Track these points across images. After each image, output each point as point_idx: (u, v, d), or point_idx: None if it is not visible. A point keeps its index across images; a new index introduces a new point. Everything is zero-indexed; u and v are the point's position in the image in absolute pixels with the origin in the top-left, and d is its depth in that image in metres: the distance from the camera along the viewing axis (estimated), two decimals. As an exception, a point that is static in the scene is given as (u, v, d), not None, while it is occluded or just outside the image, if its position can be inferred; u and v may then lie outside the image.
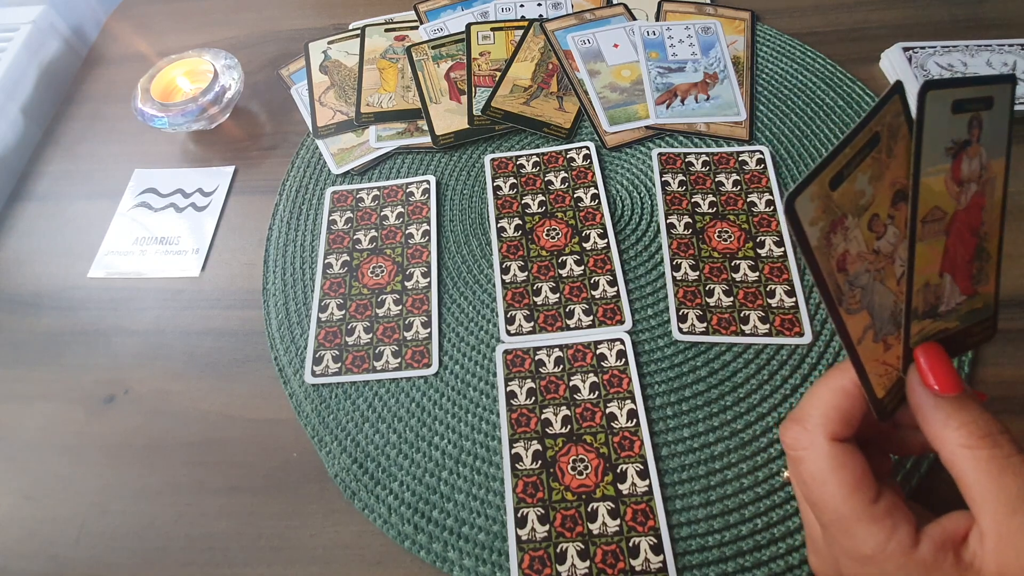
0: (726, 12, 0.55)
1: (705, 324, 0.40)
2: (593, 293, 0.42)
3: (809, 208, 0.20)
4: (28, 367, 0.43)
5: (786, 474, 0.35)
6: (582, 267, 0.43)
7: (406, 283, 0.43)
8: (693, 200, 0.45)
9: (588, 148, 0.48)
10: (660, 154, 0.47)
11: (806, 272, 0.41)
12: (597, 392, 0.38)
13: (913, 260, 0.21)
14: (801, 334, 0.39)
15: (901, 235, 0.22)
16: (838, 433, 0.23)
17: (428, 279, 0.43)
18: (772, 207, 0.44)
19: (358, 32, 0.57)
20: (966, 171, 0.21)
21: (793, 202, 0.19)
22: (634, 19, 0.56)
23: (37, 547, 0.37)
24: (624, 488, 0.35)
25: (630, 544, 0.33)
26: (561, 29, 0.55)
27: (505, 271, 0.43)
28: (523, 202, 0.46)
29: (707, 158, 0.47)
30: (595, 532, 0.34)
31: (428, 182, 0.48)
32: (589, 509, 0.34)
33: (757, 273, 0.41)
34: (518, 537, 0.34)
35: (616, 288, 0.42)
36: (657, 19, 0.55)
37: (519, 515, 0.34)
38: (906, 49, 0.50)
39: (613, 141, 0.49)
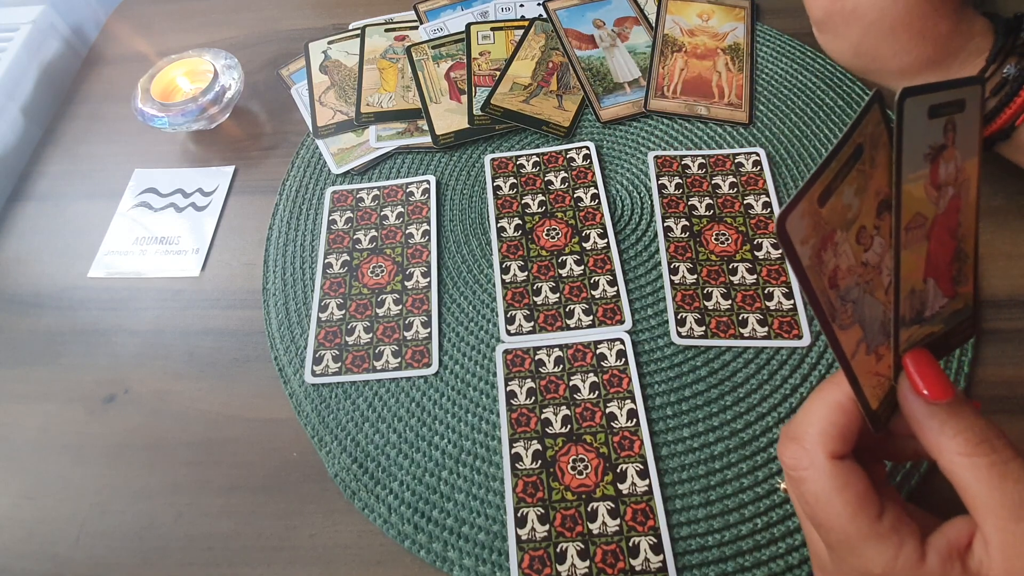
0: (727, 0, 0.56)
1: (704, 328, 0.40)
2: (593, 293, 0.42)
3: (800, 227, 0.20)
4: (28, 367, 0.43)
5: (783, 485, 0.35)
6: (582, 267, 0.43)
7: (406, 283, 0.43)
8: (690, 203, 0.45)
9: (588, 148, 0.48)
10: (656, 157, 0.47)
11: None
12: (597, 392, 0.38)
13: (899, 269, 0.21)
14: (800, 336, 0.39)
15: (887, 245, 0.22)
16: (837, 451, 0.23)
17: (428, 279, 0.43)
18: (769, 209, 0.44)
19: (358, 32, 0.57)
20: (943, 175, 0.22)
21: (784, 223, 0.19)
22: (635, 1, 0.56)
23: (37, 547, 0.37)
24: (624, 488, 0.35)
25: (630, 544, 0.33)
26: (563, 8, 0.56)
27: (505, 271, 0.43)
28: (523, 202, 0.46)
29: (703, 160, 0.47)
30: (595, 532, 0.34)
31: (428, 182, 0.48)
32: (589, 509, 0.34)
33: (755, 276, 0.41)
34: (518, 537, 0.34)
35: (616, 288, 0.42)
36: (658, 8, 0.56)
37: (519, 515, 0.34)
38: (905, 50, 0.50)
39: (607, 116, 0.50)
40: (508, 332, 0.41)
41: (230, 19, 0.63)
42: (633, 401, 0.37)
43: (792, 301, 0.40)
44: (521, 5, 0.58)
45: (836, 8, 0.37)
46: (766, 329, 0.39)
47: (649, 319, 0.41)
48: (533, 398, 0.38)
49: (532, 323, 0.41)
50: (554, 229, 0.45)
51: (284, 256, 0.46)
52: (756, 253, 0.42)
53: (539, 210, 0.46)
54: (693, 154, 0.47)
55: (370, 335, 0.41)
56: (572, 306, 0.41)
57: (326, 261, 0.45)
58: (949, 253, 0.23)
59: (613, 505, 0.34)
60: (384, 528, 0.35)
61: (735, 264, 0.42)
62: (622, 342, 0.39)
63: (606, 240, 0.44)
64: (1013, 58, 0.35)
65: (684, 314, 0.40)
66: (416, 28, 0.57)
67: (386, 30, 0.57)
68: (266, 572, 0.35)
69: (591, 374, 0.38)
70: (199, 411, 0.40)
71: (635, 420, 0.37)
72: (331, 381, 0.40)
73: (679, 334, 0.39)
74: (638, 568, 0.33)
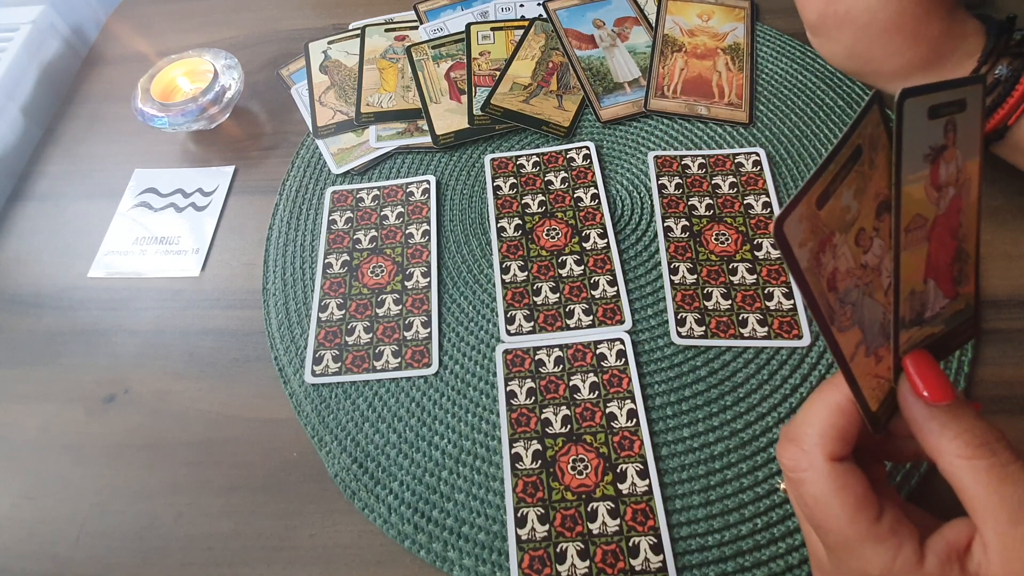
0: (727, 0, 0.56)
1: (703, 328, 0.40)
2: (593, 293, 0.42)
3: (798, 230, 0.19)
4: (28, 367, 0.43)
5: (783, 486, 0.35)
6: (582, 267, 0.43)
7: (406, 283, 0.43)
8: (690, 203, 0.45)
9: (588, 148, 0.48)
10: (656, 157, 0.47)
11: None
12: (597, 392, 0.38)
13: (899, 271, 0.21)
14: (800, 336, 0.39)
15: (886, 247, 0.22)
16: (836, 452, 0.23)
17: (428, 279, 0.43)
18: (769, 209, 0.44)
19: (358, 32, 0.57)
20: (944, 175, 0.21)
21: (782, 226, 0.19)
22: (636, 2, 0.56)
23: (37, 547, 0.37)
24: (624, 488, 0.35)
25: (630, 544, 0.33)
26: (563, 8, 0.56)
27: (505, 271, 0.43)
28: (523, 202, 0.46)
29: (703, 160, 0.47)
30: (595, 532, 0.34)
31: (428, 182, 0.48)
32: (589, 509, 0.34)
33: (755, 276, 0.41)
34: (518, 537, 0.34)
35: (616, 288, 0.42)
36: (658, 8, 0.56)
37: (519, 515, 0.34)
38: (905, 50, 0.50)
39: (607, 116, 0.50)
40: (508, 332, 0.41)
41: (230, 19, 0.63)
42: (633, 401, 0.37)
43: (792, 301, 0.40)
44: (521, 5, 0.58)
45: (829, 12, 0.37)
46: (766, 329, 0.39)
47: (649, 319, 0.41)
48: (533, 398, 0.38)
49: (532, 323, 0.41)
50: (554, 229, 0.45)
51: (284, 256, 0.46)
52: (756, 253, 0.42)
53: (539, 210, 0.46)
54: (693, 154, 0.47)
55: (370, 335, 0.41)
56: (572, 306, 0.41)
57: (326, 261, 0.45)
58: (950, 254, 0.23)
59: (613, 505, 0.34)
60: (384, 528, 0.35)
61: (735, 264, 0.42)
62: (622, 342, 0.39)
63: (606, 240, 0.44)
64: (1005, 59, 0.35)
65: (684, 314, 0.40)
66: (416, 28, 0.57)
67: (386, 30, 0.57)
68: (266, 572, 0.35)
69: (591, 374, 0.38)
70: (199, 411, 0.40)
71: (635, 420, 0.37)
72: (331, 381, 0.40)
73: (679, 334, 0.39)
74: (638, 568, 0.33)
